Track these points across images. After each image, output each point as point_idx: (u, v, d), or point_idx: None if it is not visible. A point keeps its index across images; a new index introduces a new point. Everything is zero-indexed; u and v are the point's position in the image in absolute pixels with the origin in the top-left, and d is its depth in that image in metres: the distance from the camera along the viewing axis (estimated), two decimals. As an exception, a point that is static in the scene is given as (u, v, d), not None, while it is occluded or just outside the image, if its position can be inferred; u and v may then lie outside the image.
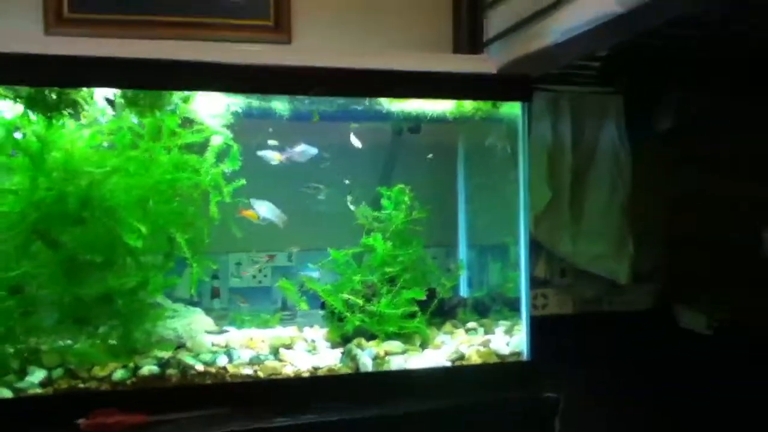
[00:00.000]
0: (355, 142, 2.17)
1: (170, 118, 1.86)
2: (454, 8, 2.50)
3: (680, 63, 2.17)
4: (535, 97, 2.10)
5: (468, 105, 2.11)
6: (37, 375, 1.70)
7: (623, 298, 2.58)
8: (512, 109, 2.07)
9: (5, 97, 1.74)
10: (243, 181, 1.93)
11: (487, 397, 1.87)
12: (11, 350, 1.72)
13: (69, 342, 1.78)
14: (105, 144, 1.82)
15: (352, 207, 2.15)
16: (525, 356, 2.00)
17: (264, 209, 2.01)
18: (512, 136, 2.10)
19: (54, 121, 1.75)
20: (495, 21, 2.34)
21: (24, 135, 1.75)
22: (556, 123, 2.49)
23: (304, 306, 2.07)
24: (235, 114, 1.93)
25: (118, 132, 1.82)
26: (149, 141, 1.85)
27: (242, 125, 1.94)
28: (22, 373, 1.70)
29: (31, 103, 1.75)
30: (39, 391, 1.68)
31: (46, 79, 1.71)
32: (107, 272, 1.81)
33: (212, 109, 1.93)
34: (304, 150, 2.08)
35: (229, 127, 1.92)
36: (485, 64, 2.11)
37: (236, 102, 1.92)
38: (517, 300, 2.05)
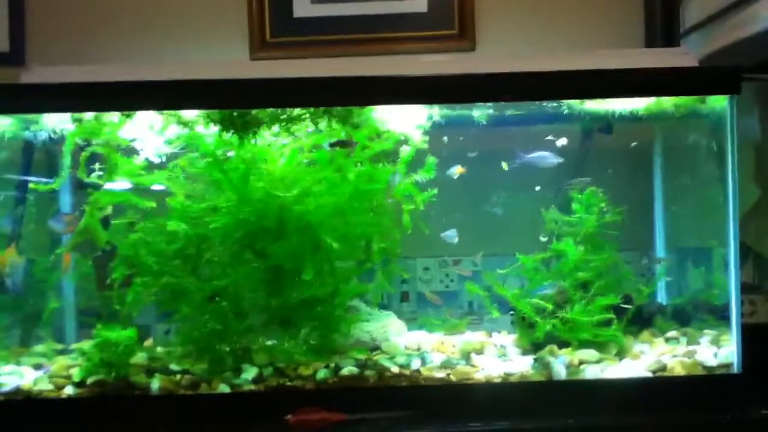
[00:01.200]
0: (553, 149, 2.11)
1: (360, 133, 1.93)
2: (646, 0, 2.37)
3: None
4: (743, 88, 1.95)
5: (666, 101, 1.99)
6: (250, 372, 1.84)
7: None
8: (716, 102, 1.93)
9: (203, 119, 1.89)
10: (434, 191, 1.98)
11: (699, 417, 1.75)
12: (227, 349, 1.88)
13: (276, 342, 1.91)
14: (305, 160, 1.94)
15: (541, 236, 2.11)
16: (735, 369, 1.85)
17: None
18: (716, 131, 1.96)
19: (245, 141, 1.88)
20: (692, 11, 2.20)
21: (226, 156, 1.90)
22: (764, 116, 2.29)
23: (496, 313, 2.07)
24: (430, 123, 1.97)
25: (317, 150, 1.93)
26: (342, 157, 1.94)
27: (434, 133, 1.98)
28: (237, 371, 1.85)
29: (224, 125, 1.88)
30: (252, 387, 1.82)
31: (254, 102, 1.84)
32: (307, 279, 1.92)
33: (404, 118, 1.98)
34: (542, 156, 2.05)
35: (424, 135, 1.97)
36: (685, 57, 1.98)
37: (426, 111, 1.96)
38: (723, 307, 1.91)
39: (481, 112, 2.01)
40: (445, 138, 2.09)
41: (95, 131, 1.92)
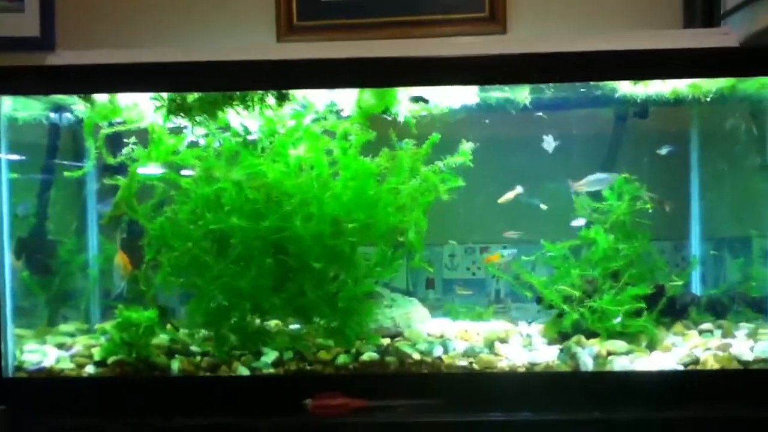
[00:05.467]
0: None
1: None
2: (686, -21, 2.28)
3: None
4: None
5: (704, 84, 1.91)
6: (270, 356, 1.84)
7: None
8: (757, 84, 1.84)
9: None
10: (460, 180, 1.91)
11: (733, 411, 1.67)
12: (248, 332, 1.86)
13: (297, 326, 1.90)
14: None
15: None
16: (773, 364, 1.77)
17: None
18: (757, 115, 1.87)
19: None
20: (734, -10, 2.10)
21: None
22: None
23: (529, 294, 2.02)
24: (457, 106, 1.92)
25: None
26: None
27: (461, 117, 1.94)
28: (257, 354, 1.84)
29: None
30: (272, 371, 1.81)
31: (280, 84, 1.82)
32: (330, 268, 1.87)
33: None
34: (597, 179, 2.01)
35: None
36: (726, 37, 1.90)
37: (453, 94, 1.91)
38: (762, 300, 1.82)
39: (513, 95, 1.96)
40: (472, 122, 2.04)
41: (114, 112, 1.91)
